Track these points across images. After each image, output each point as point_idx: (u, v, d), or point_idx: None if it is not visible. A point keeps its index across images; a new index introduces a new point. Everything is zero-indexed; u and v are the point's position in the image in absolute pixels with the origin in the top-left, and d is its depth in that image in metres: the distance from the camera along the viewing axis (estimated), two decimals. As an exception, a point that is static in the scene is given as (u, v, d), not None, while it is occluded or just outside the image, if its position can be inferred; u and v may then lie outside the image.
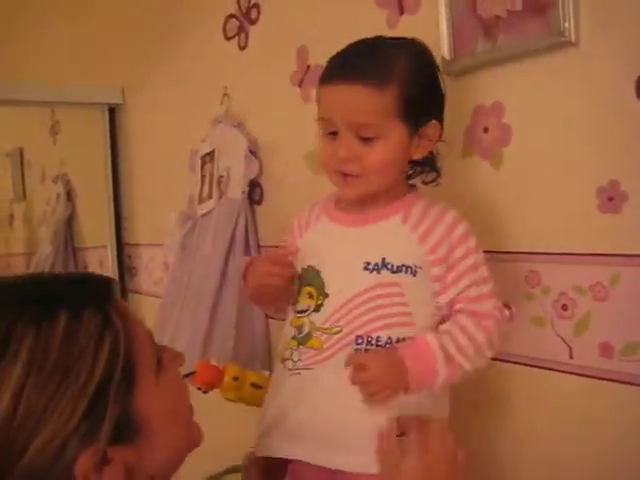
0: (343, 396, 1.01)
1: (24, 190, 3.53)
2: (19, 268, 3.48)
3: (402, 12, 1.36)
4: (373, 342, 1.02)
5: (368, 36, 1.11)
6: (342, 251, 1.09)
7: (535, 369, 1.18)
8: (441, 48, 1.25)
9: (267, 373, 1.59)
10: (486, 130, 1.23)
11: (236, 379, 1.43)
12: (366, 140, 1.03)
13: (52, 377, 0.66)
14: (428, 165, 1.16)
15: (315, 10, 1.60)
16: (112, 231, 2.62)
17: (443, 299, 1.06)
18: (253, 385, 1.45)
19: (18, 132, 3.54)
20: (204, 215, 1.93)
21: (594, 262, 1.08)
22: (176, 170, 2.22)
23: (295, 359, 1.07)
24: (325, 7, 1.57)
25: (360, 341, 1.03)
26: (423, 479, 0.91)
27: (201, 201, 1.94)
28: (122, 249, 2.65)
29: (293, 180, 1.71)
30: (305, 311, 1.08)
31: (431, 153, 1.14)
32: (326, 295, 1.07)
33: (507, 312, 1.10)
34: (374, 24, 1.39)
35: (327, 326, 1.05)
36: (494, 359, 1.23)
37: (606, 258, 1.06)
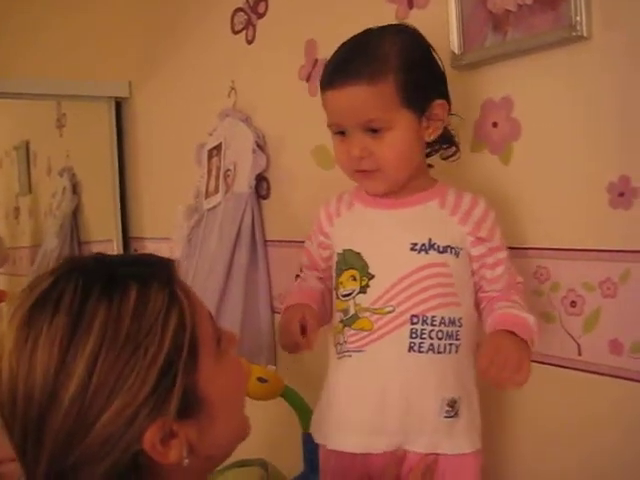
0: (399, 376, 1.04)
1: (30, 183, 3.52)
2: (24, 261, 3.48)
3: (412, 6, 1.35)
4: (428, 321, 1.04)
5: None
6: (384, 232, 1.10)
7: (543, 365, 1.17)
8: (450, 42, 1.25)
9: (273, 368, 1.59)
10: (495, 125, 1.22)
11: (242, 374, 1.43)
12: (375, 132, 1.04)
13: (124, 350, 0.68)
14: (445, 142, 1.16)
15: (323, 4, 1.59)
16: (118, 224, 2.62)
17: (488, 274, 1.10)
18: (259, 379, 1.45)
19: (24, 125, 3.53)
20: (210, 209, 1.93)
21: (604, 258, 1.07)
22: (182, 164, 2.21)
23: (341, 341, 1.09)
24: (334, 1, 1.56)
25: (415, 320, 1.04)
26: None
27: (208, 195, 1.94)
28: (128, 242, 2.64)
29: (300, 175, 1.70)
30: (350, 294, 1.09)
31: (446, 129, 1.14)
32: (371, 276, 1.07)
33: None
34: (383, 18, 1.37)
35: (377, 306, 1.06)
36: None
37: (616, 254, 1.06)
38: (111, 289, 0.71)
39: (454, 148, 1.18)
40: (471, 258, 1.09)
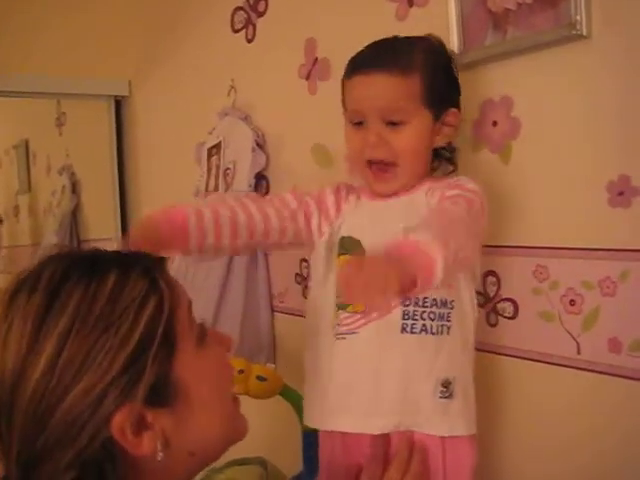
0: (393, 357, 1.05)
1: (29, 182, 3.52)
2: (24, 259, 3.48)
3: (411, 4, 1.35)
4: (420, 303, 1.05)
5: (377, 28, 1.15)
6: (383, 221, 1.11)
7: (542, 364, 1.17)
8: (450, 41, 1.24)
9: (272, 366, 1.59)
10: (495, 124, 1.22)
11: (241, 372, 1.43)
12: (394, 125, 1.07)
13: (94, 329, 0.69)
14: (446, 158, 1.18)
15: (323, 2, 1.59)
16: (117, 223, 2.62)
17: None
18: (258, 378, 1.45)
19: (24, 124, 3.53)
20: (210, 208, 1.92)
21: (603, 257, 1.07)
22: (182, 162, 2.21)
23: (334, 323, 1.10)
24: (334, -1, 1.56)
25: (407, 302, 1.05)
26: None
27: (207, 194, 1.94)
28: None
29: (300, 173, 1.70)
30: None
31: (450, 145, 1.17)
32: None
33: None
34: (383, 16, 1.38)
35: None
36: (500, 354, 1.23)
37: (616, 253, 1.06)
38: (91, 272, 0.72)
39: (451, 167, 1.19)
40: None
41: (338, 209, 1.18)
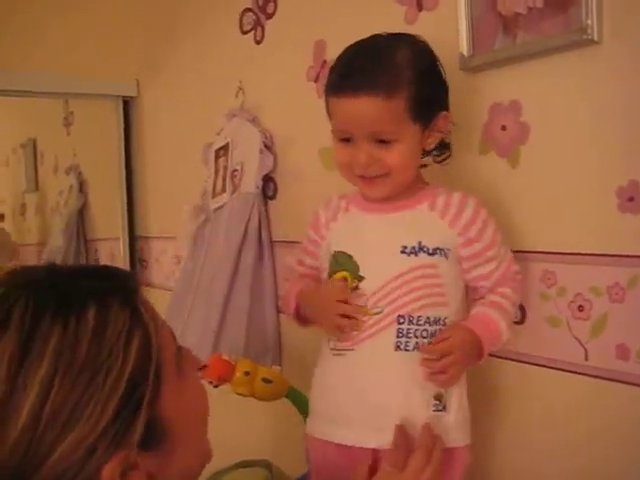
0: (387, 373, 1.08)
1: (37, 181, 3.53)
2: (31, 258, 3.49)
3: (421, 8, 1.35)
4: (414, 321, 1.07)
5: (386, 31, 1.12)
6: (376, 236, 1.12)
7: (549, 370, 1.17)
8: (460, 45, 1.24)
9: (278, 368, 1.59)
10: (504, 128, 1.21)
11: (247, 374, 1.43)
12: (383, 142, 1.06)
13: (80, 377, 0.62)
14: (440, 147, 1.17)
15: (333, 5, 1.59)
16: (124, 223, 2.62)
17: (479, 272, 1.13)
18: (264, 380, 1.45)
19: (31, 123, 3.54)
20: (217, 209, 1.92)
21: (612, 263, 1.07)
22: (189, 163, 2.21)
23: (334, 339, 1.13)
24: (343, 2, 1.56)
25: (402, 320, 1.08)
26: None
27: (214, 195, 1.94)
28: (134, 241, 2.65)
29: (307, 175, 1.70)
30: None
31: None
32: (361, 278, 1.10)
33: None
34: (392, 20, 1.38)
35: (367, 307, 1.09)
36: (508, 358, 1.23)
37: (625, 259, 1.05)
38: (67, 308, 0.65)
39: (447, 152, 1.19)
40: (461, 258, 1.11)
41: (327, 227, 1.20)
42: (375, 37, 1.11)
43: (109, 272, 0.74)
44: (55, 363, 0.62)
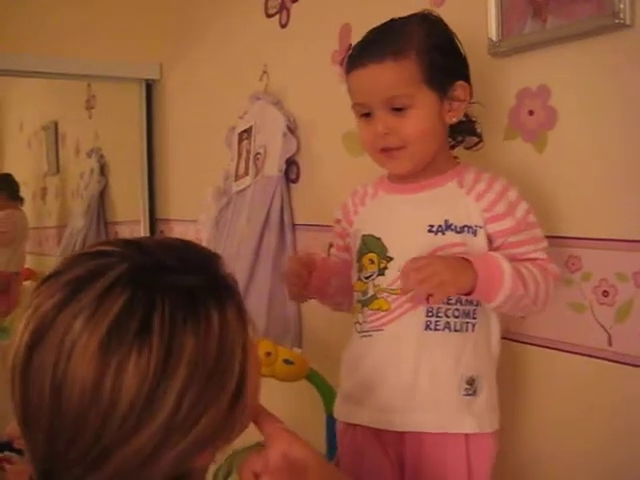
0: (417, 354, 1.07)
1: (58, 163, 3.55)
2: (51, 241, 3.52)
3: (449, -8, 1.34)
4: (444, 300, 1.05)
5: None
6: (403, 217, 1.12)
7: (572, 355, 1.17)
8: (488, 29, 1.24)
9: (299, 350, 1.60)
10: (531, 113, 1.21)
11: (269, 354, 1.44)
12: (399, 111, 1.07)
13: (209, 383, 0.66)
14: (467, 132, 1.17)
15: (359, -12, 1.59)
16: (145, 206, 2.64)
17: (513, 253, 1.08)
18: (285, 361, 1.46)
19: (53, 105, 3.56)
20: (239, 192, 1.93)
21: (638, 249, 1.06)
22: (211, 146, 2.22)
23: (361, 321, 1.13)
24: (370, -15, 1.56)
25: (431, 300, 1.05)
26: None
27: (237, 178, 1.95)
28: (154, 224, 2.66)
29: (330, 160, 1.70)
30: (370, 276, 1.13)
31: (468, 118, 1.16)
32: (389, 259, 1.10)
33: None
34: (419, 4, 1.37)
35: (395, 287, 1.09)
36: (531, 344, 1.23)
37: (652, 245, 1.05)
38: (195, 313, 0.66)
39: (476, 138, 1.19)
40: (490, 236, 1.09)
41: (355, 212, 1.21)
42: (390, 20, 1.13)
43: (207, 259, 0.75)
44: (190, 372, 0.64)
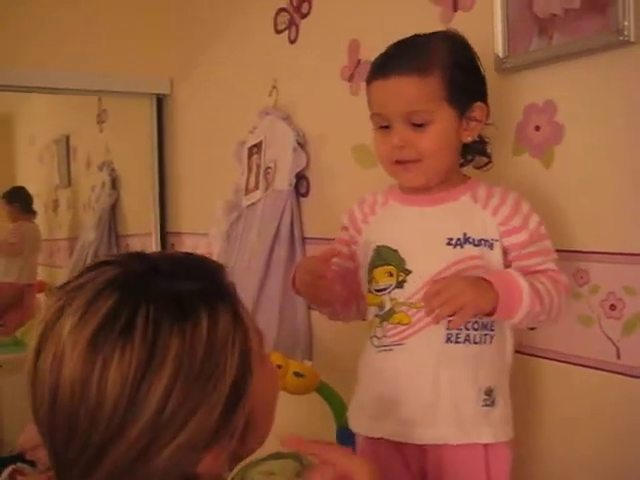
0: (439, 367, 1.07)
1: (69, 176, 3.58)
2: (63, 253, 3.55)
3: (456, 8, 1.36)
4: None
5: (421, 31, 1.14)
6: (420, 229, 1.13)
7: (581, 368, 1.18)
8: (495, 46, 1.26)
9: (309, 363, 1.61)
10: (538, 128, 1.22)
11: (279, 367, 1.45)
12: (418, 126, 1.08)
13: (196, 383, 0.66)
14: (478, 152, 1.19)
15: (367, 5, 1.61)
16: (156, 219, 2.66)
17: (524, 264, 1.10)
18: (296, 374, 1.47)
19: (65, 119, 3.59)
20: (250, 206, 1.95)
21: (646, 263, 1.08)
22: (222, 161, 2.24)
23: (379, 335, 1.13)
24: (378, 1, 1.58)
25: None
26: None
27: (247, 192, 1.96)
28: (165, 237, 2.68)
29: (340, 173, 1.72)
30: (385, 289, 1.13)
31: (481, 139, 1.17)
32: (408, 272, 1.10)
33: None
34: (428, 20, 1.39)
35: (414, 301, 1.09)
36: (542, 357, 1.24)
37: (659, 259, 1.06)
38: (182, 315, 0.68)
39: (486, 159, 1.20)
40: (505, 249, 1.11)
41: (365, 220, 1.21)
42: (413, 35, 1.13)
43: (206, 270, 0.76)
44: (175, 372, 0.66)
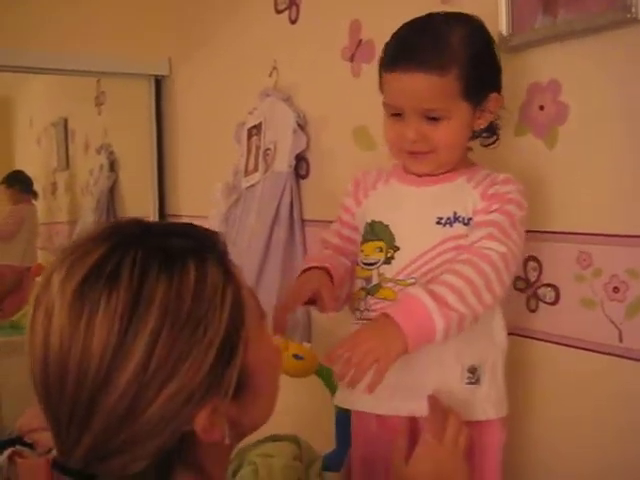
0: None
1: (67, 159, 3.57)
2: (61, 236, 3.53)
3: (459, -14, 1.34)
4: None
5: (423, 11, 1.11)
6: (413, 207, 1.13)
7: (583, 351, 1.17)
8: (499, 23, 1.23)
9: (308, 345, 1.60)
10: (542, 108, 1.21)
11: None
12: (432, 120, 1.07)
13: (184, 330, 0.66)
14: (489, 131, 1.17)
15: (369, -16, 1.58)
16: (155, 202, 2.65)
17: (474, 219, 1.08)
18: (295, 356, 1.46)
19: (63, 102, 3.57)
20: (249, 187, 1.94)
21: (650, 245, 1.06)
22: (221, 142, 2.23)
23: (362, 308, 1.14)
24: (380, -19, 1.55)
25: None
26: (431, 471, 0.98)
27: (247, 173, 1.95)
28: (164, 220, 2.67)
29: (340, 155, 1.70)
30: (374, 264, 1.13)
31: (493, 120, 1.16)
32: (397, 248, 1.11)
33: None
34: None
35: (400, 277, 1.10)
36: (542, 340, 1.23)
37: (663, 241, 1.05)
38: (170, 264, 0.67)
39: (495, 137, 1.19)
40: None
41: (365, 194, 1.20)
42: (431, 15, 1.11)
43: (197, 231, 0.76)
44: (161, 318, 0.65)
